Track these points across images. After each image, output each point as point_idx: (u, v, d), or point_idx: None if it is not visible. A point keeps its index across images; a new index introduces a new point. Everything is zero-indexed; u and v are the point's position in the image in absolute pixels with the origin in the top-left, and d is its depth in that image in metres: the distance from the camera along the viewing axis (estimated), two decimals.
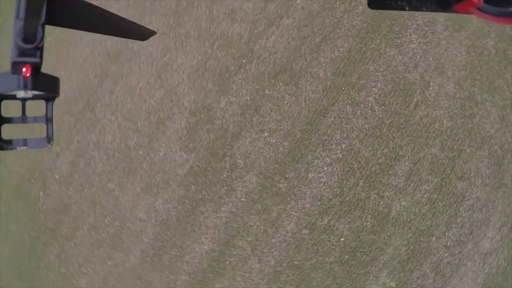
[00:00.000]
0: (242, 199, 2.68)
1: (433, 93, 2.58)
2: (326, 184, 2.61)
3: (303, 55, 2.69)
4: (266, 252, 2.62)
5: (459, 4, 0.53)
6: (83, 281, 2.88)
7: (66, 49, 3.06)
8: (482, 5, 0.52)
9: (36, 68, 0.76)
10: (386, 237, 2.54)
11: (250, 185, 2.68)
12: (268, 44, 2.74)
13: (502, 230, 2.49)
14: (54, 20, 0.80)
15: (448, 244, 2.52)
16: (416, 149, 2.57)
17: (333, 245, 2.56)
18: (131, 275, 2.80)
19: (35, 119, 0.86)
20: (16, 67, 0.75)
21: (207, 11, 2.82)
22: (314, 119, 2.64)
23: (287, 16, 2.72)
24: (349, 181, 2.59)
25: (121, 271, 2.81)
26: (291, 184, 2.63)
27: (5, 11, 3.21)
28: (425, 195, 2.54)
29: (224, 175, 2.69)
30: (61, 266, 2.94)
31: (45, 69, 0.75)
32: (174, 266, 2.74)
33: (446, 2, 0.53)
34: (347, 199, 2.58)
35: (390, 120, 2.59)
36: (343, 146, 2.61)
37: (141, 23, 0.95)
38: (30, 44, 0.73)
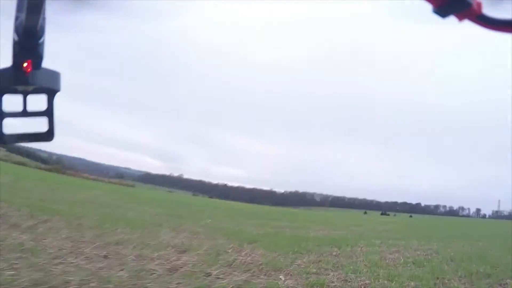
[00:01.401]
0: None
1: None
2: None
3: None
4: None
5: (460, 13, 0.51)
6: None
7: None
8: (483, 14, 0.51)
9: (37, 63, 0.77)
10: None
11: None
12: None
13: None
14: None
15: None
16: None
17: None
18: None
19: (37, 114, 0.85)
20: (17, 62, 0.76)
21: None
22: None
23: None
24: None
25: None
26: None
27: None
28: None
29: None
30: None
31: None
32: None
33: (447, 10, 0.51)
34: None
35: None
36: None
37: None
38: (31, 39, 0.73)
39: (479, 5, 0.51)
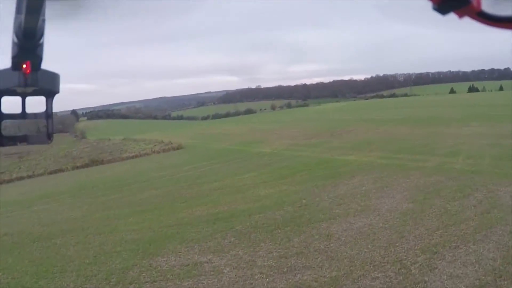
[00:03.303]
0: None
1: None
2: None
3: None
4: None
5: (459, 10, 0.50)
6: None
7: None
8: (483, 10, 0.51)
9: (36, 65, 0.75)
10: None
11: None
12: None
13: None
14: None
15: None
16: None
17: None
18: None
19: (36, 116, 0.85)
20: (16, 63, 0.75)
21: None
22: None
23: None
24: None
25: None
26: None
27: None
28: None
29: None
30: None
31: None
32: None
33: (447, 8, 0.50)
34: None
35: None
36: None
37: None
38: (31, 40, 0.72)
39: (478, 2, 0.50)
